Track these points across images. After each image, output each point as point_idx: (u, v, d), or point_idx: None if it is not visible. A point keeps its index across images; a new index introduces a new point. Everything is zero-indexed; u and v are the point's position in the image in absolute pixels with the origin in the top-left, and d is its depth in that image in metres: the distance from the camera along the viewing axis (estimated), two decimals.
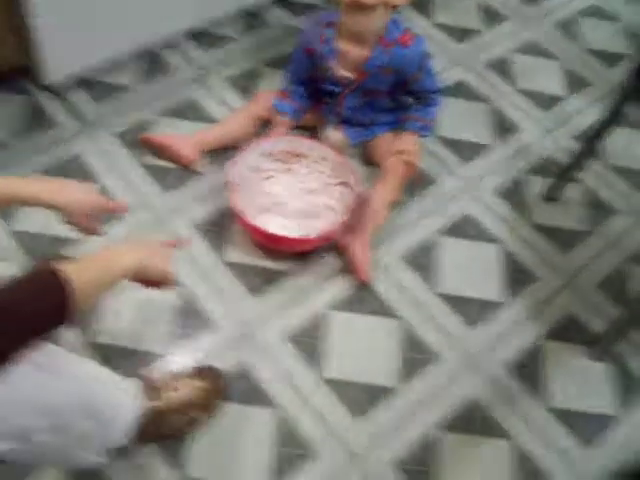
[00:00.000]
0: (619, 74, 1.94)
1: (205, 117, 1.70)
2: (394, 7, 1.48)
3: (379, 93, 1.57)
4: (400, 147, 1.58)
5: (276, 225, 1.48)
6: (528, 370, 1.41)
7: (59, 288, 0.84)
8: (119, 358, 1.30)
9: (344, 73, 1.53)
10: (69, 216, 1.12)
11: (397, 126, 1.64)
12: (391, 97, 1.60)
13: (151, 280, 1.05)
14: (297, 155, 1.56)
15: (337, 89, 1.57)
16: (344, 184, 1.53)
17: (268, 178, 1.56)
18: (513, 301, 1.50)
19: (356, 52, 1.50)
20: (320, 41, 1.52)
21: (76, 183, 1.14)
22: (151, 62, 1.80)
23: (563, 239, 1.62)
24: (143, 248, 1.03)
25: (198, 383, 1.24)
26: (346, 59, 1.52)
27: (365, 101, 1.58)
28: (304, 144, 1.56)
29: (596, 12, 2.19)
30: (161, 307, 1.39)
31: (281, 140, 1.56)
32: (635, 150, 1.78)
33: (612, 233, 1.65)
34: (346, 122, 1.63)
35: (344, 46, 1.51)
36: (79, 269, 0.88)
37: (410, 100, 1.63)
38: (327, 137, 1.63)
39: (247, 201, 1.48)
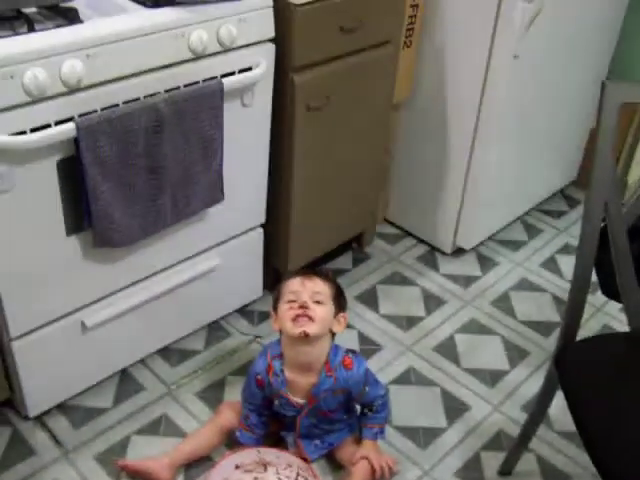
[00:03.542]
0: (553, 341, 2.13)
1: (176, 432, 1.83)
2: (334, 334, 1.68)
3: (332, 411, 1.71)
4: (362, 454, 1.69)
5: None
6: None
7: None
8: None
9: (296, 399, 1.68)
10: None
11: (353, 430, 1.77)
12: (344, 410, 1.74)
13: None
14: (264, 464, 1.68)
15: (292, 412, 1.71)
16: None
17: None
18: None
19: (304, 380, 1.67)
20: (270, 374, 1.68)
21: None
22: (122, 381, 1.96)
23: None
24: None
25: None
26: (296, 387, 1.67)
27: (320, 418, 1.72)
28: (270, 453, 1.69)
29: (525, 286, 2.44)
30: None
31: (250, 452, 1.69)
32: None
33: None
34: (304, 437, 1.74)
35: (292, 376, 1.67)
36: None
37: (361, 409, 1.76)
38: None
39: None
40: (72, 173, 1.52)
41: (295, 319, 1.61)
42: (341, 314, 1.69)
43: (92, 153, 1.48)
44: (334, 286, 1.70)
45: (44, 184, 1.51)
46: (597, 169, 1.35)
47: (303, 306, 1.61)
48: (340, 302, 1.70)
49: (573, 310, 1.48)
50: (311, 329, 1.60)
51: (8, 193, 1.45)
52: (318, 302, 1.63)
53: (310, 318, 1.61)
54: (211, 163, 1.73)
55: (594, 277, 1.47)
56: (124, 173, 1.56)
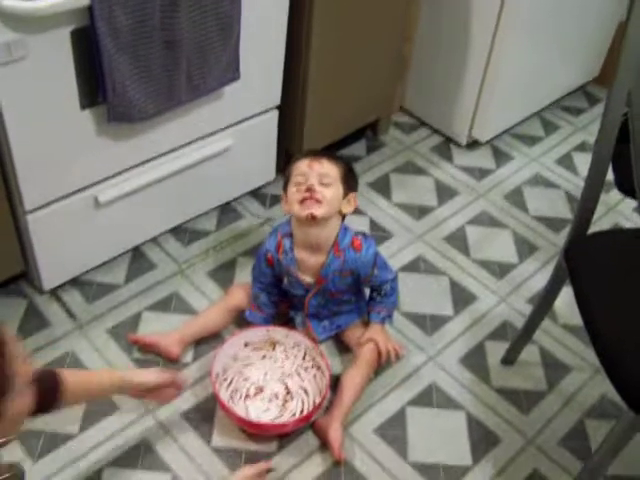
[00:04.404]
0: (563, 237, 2.13)
1: (187, 309, 1.87)
2: (344, 215, 1.68)
3: (340, 292, 1.73)
4: (369, 337, 1.72)
5: (257, 410, 1.62)
6: None
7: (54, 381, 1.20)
8: None
9: (305, 278, 1.70)
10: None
11: (362, 313, 1.80)
12: (352, 292, 1.76)
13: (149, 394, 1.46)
14: (273, 343, 1.72)
15: (300, 292, 1.73)
16: (317, 368, 1.68)
17: (247, 365, 1.71)
18: (480, 463, 1.61)
19: (313, 260, 1.68)
20: (279, 252, 1.69)
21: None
22: (135, 259, 1.99)
23: (523, 401, 1.75)
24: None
25: None
26: (305, 266, 1.69)
27: (328, 299, 1.74)
28: (279, 332, 1.72)
29: (539, 181, 2.42)
30: None
31: (259, 331, 1.72)
32: None
33: (568, 391, 1.78)
34: (313, 317, 1.77)
35: (301, 255, 1.68)
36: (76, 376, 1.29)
37: (370, 293, 1.79)
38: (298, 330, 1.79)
39: (229, 390, 1.64)
40: (86, 44, 1.48)
41: (302, 202, 1.61)
42: (351, 194, 1.68)
43: (106, 23, 1.44)
44: (343, 166, 1.67)
45: (58, 55, 1.47)
46: (624, 56, 1.30)
47: (310, 189, 1.61)
48: (349, 182, 1.68)
49: (586, 202, 1.47)
50: (318, 211, 1.60)
51: (21, 62, 1.42)
52: (326, 184, 1.62)
53: (317, 200, 1.60)
54: (228, 39, 1.69)
55: (609, 176, 1.45)
56: (139, 46, 1.53)
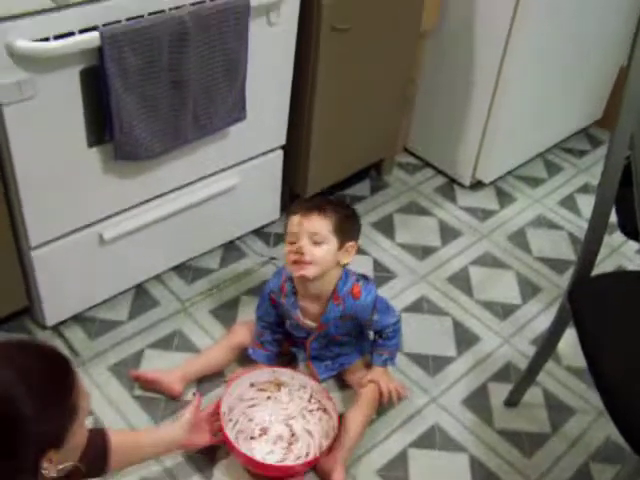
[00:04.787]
0: (566, 279, 2.13)
1: (190, 347, 1.86)
2: (343, 265, 1.67)
3: (341, 335, 1.73)
4: (370, 378, 1.71)
5: (262, 451, 1.62)
6: None
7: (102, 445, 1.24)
8: None
9: (307, 322, 1.70)
10: None
11: (364, 353, 1.80)
12: (353, 335, 1.76)
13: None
14: (278, 384, 1.72)
15: (302, 334, 1.74)
16: (323, 410, 1.67)
17: (252, 406, 1.70)
18: None
19: (313, 307, 1.68)
20: (283, 294, 1.70)
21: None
22: (138, 296, 1.99)
23: (526, 443, 1.73)
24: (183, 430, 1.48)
25: None
26: (306, 312, 1.69)
27: (330, 341, 1.74)
28: (285, 374, 1.72)
29: (543, 222, 2.43)
30: None
31: (265, 371, 1.72)
32: None
33: (572, 433, 1.77)
34: (315, 358, 1.77)
35: (303, 302, 1.68)
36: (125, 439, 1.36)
37: (372, 335, 1.78)
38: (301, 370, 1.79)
39: (234, 430, 1.63)
40: (95, 84, 1.51)
41: (294, 262, 1.61)
42: (348, 244, 1.64)
43: (116, 63, 1.47)
44: (336, 218, 1.61)
45: (67, 94, 1.50)
46: (627, 99, 1.32)
47: (299, 252, 1.60)
48: (346, 233, 1.63)
49: (590, 244, 1.48)
50: (309, 272, 1.60)
51: (31, 101, 1.44)
52: (317, 242, 1.60)
53: (307, 262, 1.59)
54: (234, 81, 1.72)
55: (612, 218, 1.46)
56: (147, 86, 1.55)
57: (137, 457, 1.43)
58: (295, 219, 1.62)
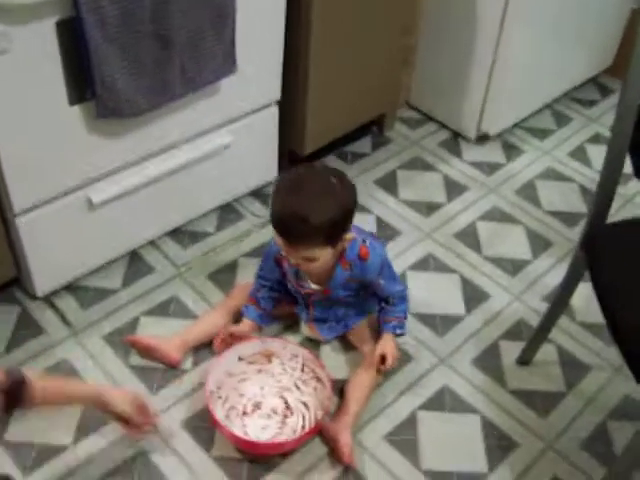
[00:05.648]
0: (578, 232, 2.05)
1: (187, 313, 1.79)
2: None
3: (346, 298, 1.65)
4: (381, 351, 1.62)
5: (255, 427, 1.54)
6: None
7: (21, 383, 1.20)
8: None
9: (312, 285, 1.63)
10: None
11: (367, 312, 1.73)
12: (357, 295, 1.67)
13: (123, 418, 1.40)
14: (269, 355, 1.64)
15: (306, 295, 1.66)
16: (317, 380, 1.60)
17: (243, 380, 1.62)
18: (497, 470, 1.52)
19: (320, 273, 1.59)
20: (285, 260, 1.61)
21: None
22: (132, 263, 1.91)
23: (540, 402, 1.66)
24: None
25: None
26: (311, 275, 1.61)
27: (333, 304, 1.67)
28: (275, 344, 1.64)
29: (552, 175, 2.34)
30: None
31: (253, 344, 1.64)
32: None
33: (588, 391, 1.69)
34: (318, 319, 1.70)
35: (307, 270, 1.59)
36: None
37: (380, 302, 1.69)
38: (302, 332, 1.73)
39: (225, 408, 1.56)
40: (73, 36, 1.41)
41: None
42: (344, 237, 1.52)
43: (93, 13, 1.37)
44: (323, 233, 1.45)
45: (44, 47, 1.40)
46: None
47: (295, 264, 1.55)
48: (337, 234, 1.49)
49: (604, 192, 1.40)
50: (311, 271, 1.56)
51: (5, 55, 1.35)
52: (310, 259, 1.50)
53: (307, 268, 1.55)
54: (223, 29, 1.62)
55: (625, 168, 1.37)
56: (128, 37, 1.46)
57: (61, 394, 1.36)
58: (280, 241, 1.50)
